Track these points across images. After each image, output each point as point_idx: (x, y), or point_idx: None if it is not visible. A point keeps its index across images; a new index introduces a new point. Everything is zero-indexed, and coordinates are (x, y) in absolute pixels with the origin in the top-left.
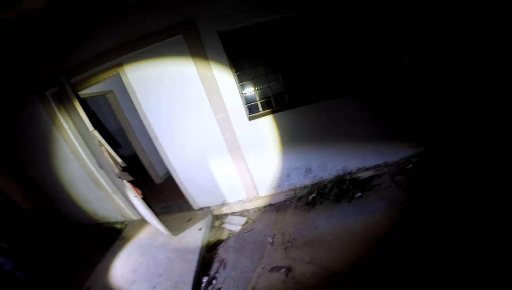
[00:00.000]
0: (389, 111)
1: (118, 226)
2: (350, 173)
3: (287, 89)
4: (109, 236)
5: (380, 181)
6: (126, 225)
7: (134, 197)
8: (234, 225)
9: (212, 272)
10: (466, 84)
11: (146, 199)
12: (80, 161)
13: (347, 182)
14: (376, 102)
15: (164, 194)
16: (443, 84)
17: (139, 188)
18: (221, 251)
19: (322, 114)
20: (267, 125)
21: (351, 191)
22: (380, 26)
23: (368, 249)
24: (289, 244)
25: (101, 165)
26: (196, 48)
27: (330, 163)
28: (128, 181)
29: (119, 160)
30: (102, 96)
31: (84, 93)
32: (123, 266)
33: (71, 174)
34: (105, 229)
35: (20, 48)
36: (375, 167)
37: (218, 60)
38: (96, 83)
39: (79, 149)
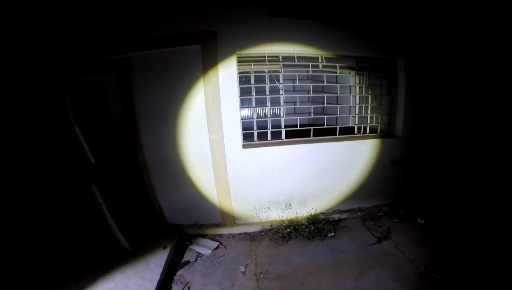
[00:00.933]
0: None
1: None
2: (325, 213)
3: (285, 125)
4: None
5: (352, 224)
6: None
7: (101, 204)
8: (204, 248)
9: None
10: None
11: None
12: None
13: (323, 221)
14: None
15: None
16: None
17: None
18: (186, 274)
19: (316, 154)
20: (260, 156)
21: (325, 230)
22: None
23: (337, 287)
24: (262, 275)
25: None
26: (210, 62)
27: (310, 202)
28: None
29: (93, 161)
30: None
31: None
32: None
33: None
34: None
35: None
36: (350, 210)
37: (228, 81)
38: None
39: None
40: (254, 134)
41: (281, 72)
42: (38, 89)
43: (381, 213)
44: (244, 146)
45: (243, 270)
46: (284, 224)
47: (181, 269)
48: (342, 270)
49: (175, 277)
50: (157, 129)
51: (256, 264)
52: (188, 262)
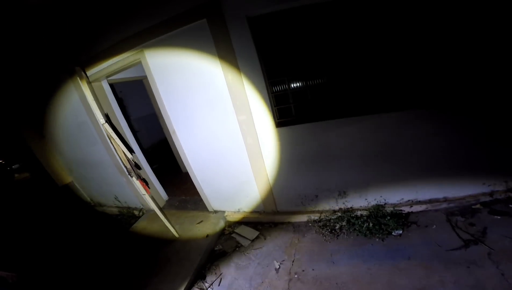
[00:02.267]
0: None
1: (136, 212)
2: (394, 204)
3: (332, 93)
4: (126, 222)
5: (431, 219)
6: (143, 213)
7: (144, 195)
8: (244, 238)
9: (206, 285)
10: None
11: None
12: (105, 144)
13: (388, 215)
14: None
15: (185, 186)
16: None
17: (168, 175)
18: (222, 264)
19: (375, 131)
20: (299, 134)
21: (390, 226)
22: None
23: None
24: (296, 276)
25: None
26: (221, 36)
27: (371, 189)
28: (138, 179)
29: (129, 156)
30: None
31: (116, 78)
32: None
33: (98, 157)
34: (122, 215)
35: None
36: (430, 201)
37: (245, 51)
38: (121, 70)
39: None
40: (291, 109)
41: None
42: None
43: (477, 206)
44: (279, 124)
45: (277, 267)
46: (336, 216)
47: (218, 259)
48: (399, 281)
49: (212, 266)
50: (186, 120)
51: (293, 261)
52: (225, 253)
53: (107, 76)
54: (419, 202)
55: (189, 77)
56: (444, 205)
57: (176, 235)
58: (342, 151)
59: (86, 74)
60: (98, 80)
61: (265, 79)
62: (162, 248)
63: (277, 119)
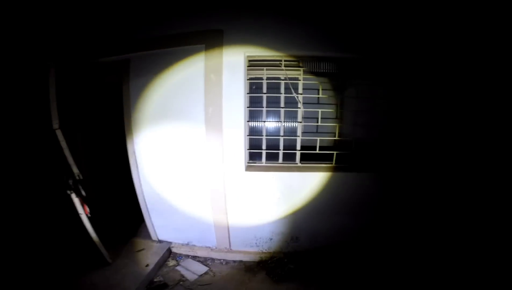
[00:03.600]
0: None
1: None
2: None
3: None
4: None
5: None
6: None
7: (81, 214)
8: (191, 272)
9: None
10: None
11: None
12: None
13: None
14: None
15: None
16: None
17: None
18: None
19: (336, 186)
20: (265, 181)
21: None
22: None
23: None
24: None
25: None
26: (214, 65)
27: (322, 238)
28: (77, 197)
29: (75, 170)
30: None
31: None
32: None
33: None
34: None
35: None
36: None
37: (233, 87)
38: None
39: None
40: (262, 155)
41: (300, 80)
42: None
43: None
44: (248, 168)
45: None
46: (287, 259)
47: None
48: None
49: None
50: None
51: None
52: (166, 286)
53: None
54: None
55: (168, 95)
56: None
57: (109, 260)
58: (302, 199)
59: None
60: None
61: (244, 121)
62: (88, 273)
63: (248, 162)
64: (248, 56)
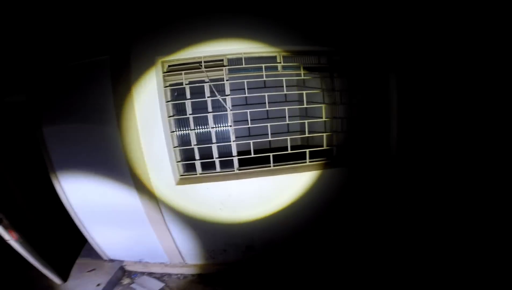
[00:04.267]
0: None
1: None
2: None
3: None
4: None
5: None
6: None
7: (8, 240)
8: (146, 289)
9: None
10: None
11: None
12: None
13: None
14: None
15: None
16: None
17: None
18: None
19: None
20: (202, 191)
21: None
22: None
23: None
24: None
25: None
26: (122, 76)
27: (278, 243)
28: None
29: None
30: None
31: None
32: None
33: None
34: None
35: None
36: None
37: (146, 97)
38: None
39: None
40: (196, 166)
41: (226, 80)
42: None
43: None
44: (181, 181)
45: None
46: (244, 270)
47: None
48: None
49: None
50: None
51: None
52: None
53: None
54: None
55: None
56: None
57: (58, 281)
58: (246, 208)
59: None
60: None
61: (166, 131)
62: None
63: (180, 176)
64: (163, 62)
